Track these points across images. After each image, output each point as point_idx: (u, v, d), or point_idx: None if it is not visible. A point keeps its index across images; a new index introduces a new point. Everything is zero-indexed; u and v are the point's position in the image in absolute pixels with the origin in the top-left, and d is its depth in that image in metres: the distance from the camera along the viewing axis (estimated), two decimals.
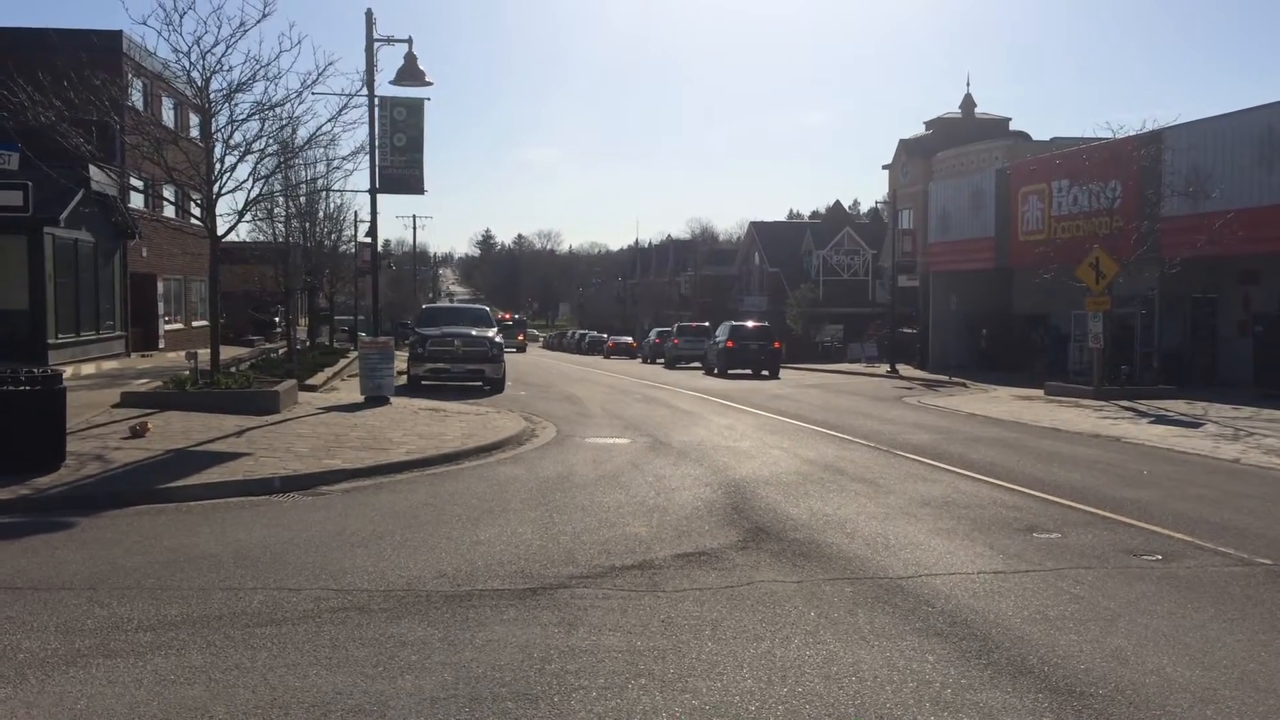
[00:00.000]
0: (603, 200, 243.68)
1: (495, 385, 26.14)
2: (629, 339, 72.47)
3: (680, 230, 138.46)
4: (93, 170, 23.96)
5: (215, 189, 17.79)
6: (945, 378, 34.92)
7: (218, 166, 17.79)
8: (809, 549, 8.73)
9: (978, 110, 57.51)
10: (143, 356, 31.67)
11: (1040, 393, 27.41)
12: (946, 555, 8.59)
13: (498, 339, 27.55)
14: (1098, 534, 9.54)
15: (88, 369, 25.42)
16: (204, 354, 19.65)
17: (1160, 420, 20.38)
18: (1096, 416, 21.09)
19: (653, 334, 58.05)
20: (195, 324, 39.11)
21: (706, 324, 51.34)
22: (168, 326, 37.35)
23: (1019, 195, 37.40)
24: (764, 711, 5.16)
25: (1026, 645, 6.21)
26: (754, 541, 9.01)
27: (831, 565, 8.18)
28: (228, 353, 27.36)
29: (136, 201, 31.55)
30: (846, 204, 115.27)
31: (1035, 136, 50.69)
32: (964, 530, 9.62)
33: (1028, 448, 16.23)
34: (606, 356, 66.53)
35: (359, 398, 20.44)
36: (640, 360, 57.41)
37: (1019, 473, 13.37)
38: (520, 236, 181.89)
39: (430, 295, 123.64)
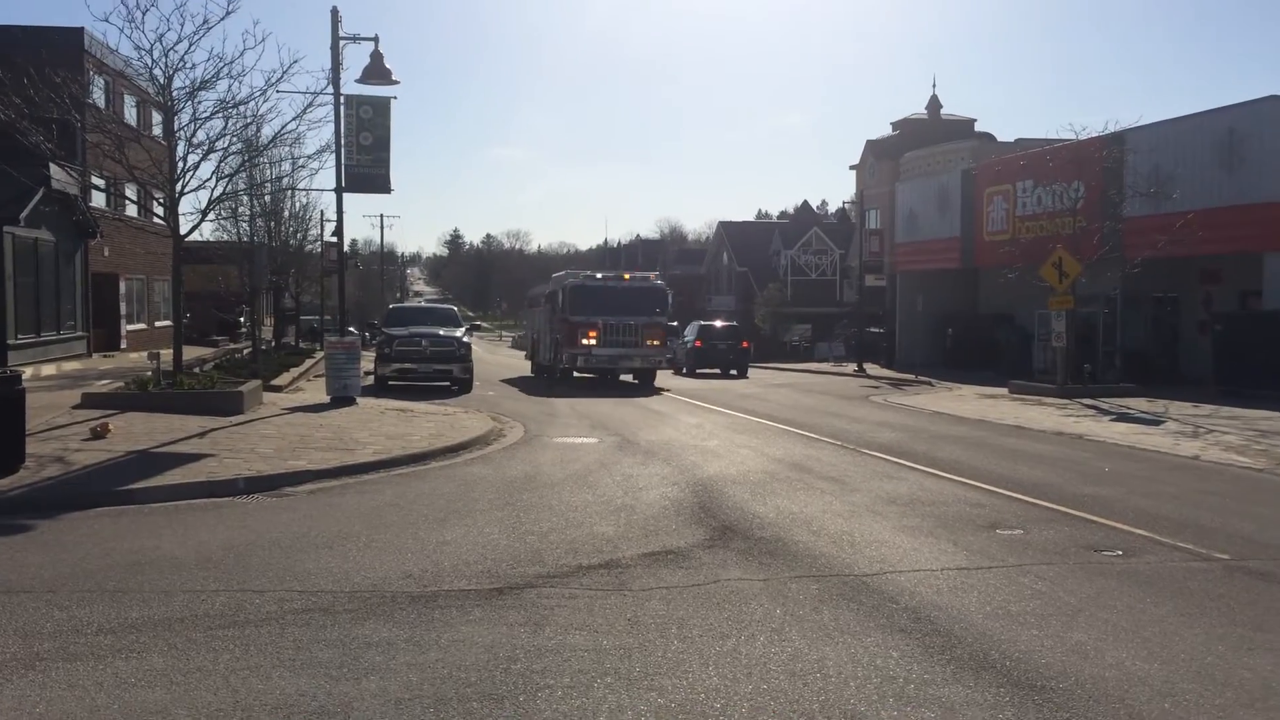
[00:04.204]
0: (572, 200, 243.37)
1: (463, 385, 26.06)
2: None
3: (649, 230, 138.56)
4: (53, 169, 23.66)
5: (178, 187, 17.62)
6: (912, 376, 35.16)
7: (180, 165, 17.63)
8: (776, 547, 8.77)
9: (944, 112, 57.98)
10: (104, 357, 31.29)
11: (1005, 391, 27.67)
12: (911, 552, 8.65)
13: (466, 339, 27.48)
14: (1060, 530, 9.65)
15: (48, 370, 25.08)
16: (167, 354, 19.44)
17: (1122, 418, 20.63)
18: (1060, 414, 21.31)
19: None
20: (158, 324, 38.65)
21: (675, 323, 51.42)
22: (130, 327, 36.90)
23: (984, 196, 37.74)
24: (729, 709, 5.17)
25: (989, 641, 6.27)
26: (721, 540, 9.03)
27: (798, 563, 8.22)
28: (191, 353, 27.10)
29: (98, 200, 31.14)
30: (815, 204, 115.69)
31: (1000, 138, 51.20)
32: (929, 527, 9.69)
33: (992, 445, 16.38)
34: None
35: (325, 398, 20.30)
36: None
37: (983, 470, 13.49)
38: (489, 236, 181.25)
39: (398, 295, 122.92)
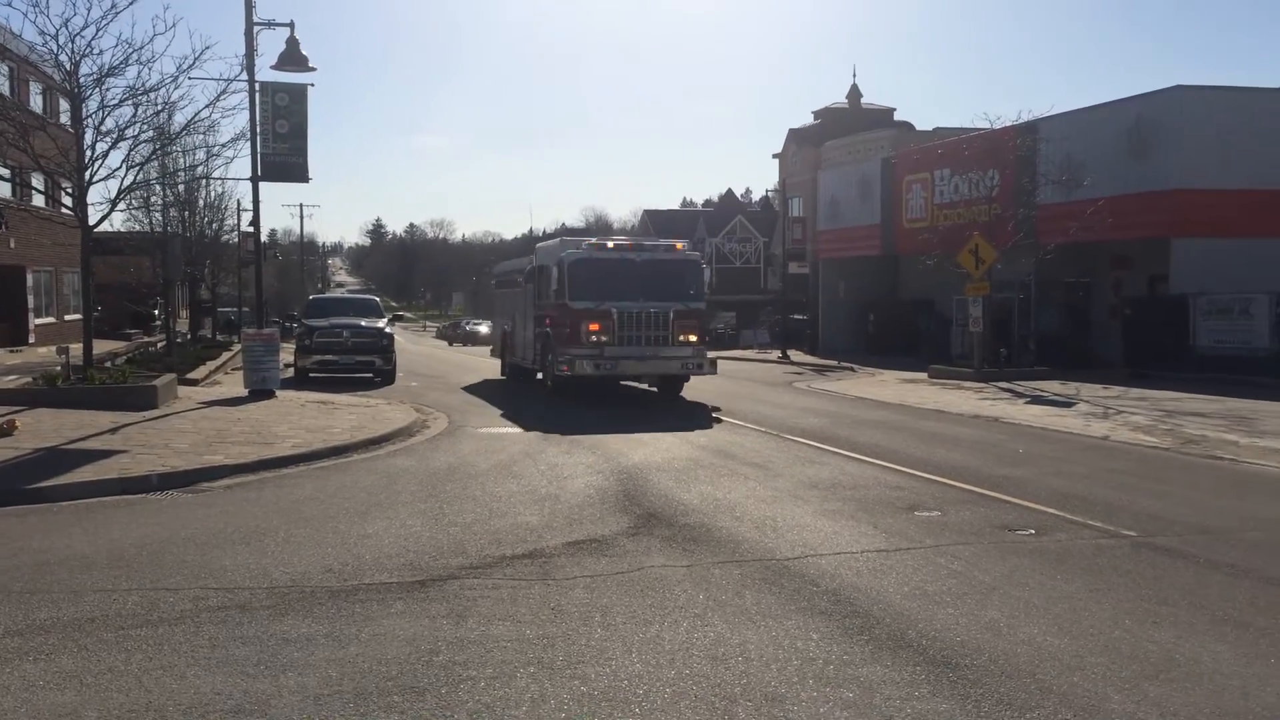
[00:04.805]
0: (497, 189, 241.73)
1: (386, 376, 25.76)
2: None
3: (575, 219, 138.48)
4: None
5: (86, 177, 17.10)
6: (835, 363, 35.62)
7: (89, 153, 17.11)
8: (699, 533, 8.83)
9: (864, 101, 58.74)
10: (11, 352, 30.28)
11: (925, 376, 28.18)
12: (832, 536, 8.78)
13: (388, 329, 27.15)
14: (976, 511, 9.87)
15: None
16: (76, 348, 18.87)
17: (1036, 400, 21.15)
18: (977, 398, 21.78)
19: None
20: (68, 318, 37.53)
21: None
22: (38, 321, 35.78)
23: (904, 184, 38.34)
24: (651, 694, 5.21)
25: (906, 620, 6.39)
26: (645, 527, 9.07)
27: (721, 549, 8.29)
28: (102, 347, 26.35)
29: (3, 190, 30.11)
30: (739, 192, 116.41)
31: (919, 127, 52.05)
32: (849, 511, 9.84)
33: (911, 429, 16.68)
34: (454, 343, 68.58)
35: (243, 391, 19.90)
36: None
37: (903, 454, 13.73)
38: (412, 225, 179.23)
39: (319, 285, 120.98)
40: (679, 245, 21.52)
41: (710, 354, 21.54)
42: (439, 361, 40.60)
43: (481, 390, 24.29)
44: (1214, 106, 27.85)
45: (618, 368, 20.09)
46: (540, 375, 22.69)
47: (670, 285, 20.54)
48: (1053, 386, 24.21)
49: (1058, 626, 6.31)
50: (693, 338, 20.51)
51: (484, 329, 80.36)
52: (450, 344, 71.07)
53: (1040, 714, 4.98)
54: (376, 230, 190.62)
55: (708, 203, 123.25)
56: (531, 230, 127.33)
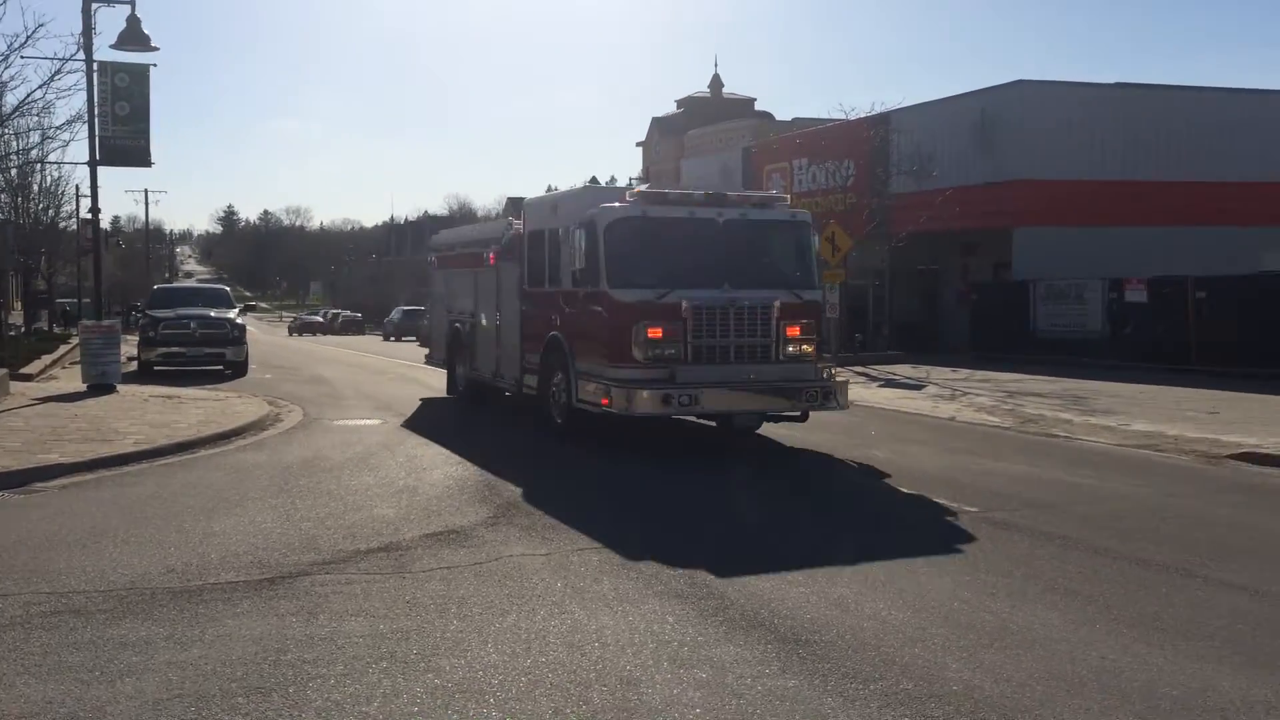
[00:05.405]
0: (356, 176, 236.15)
1: (237, 369, 24.89)
2: (358, 315, 72.38)
3: (438, 206, 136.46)
4: None
5: None
6: None
7: None
8: (558, 522, 8.79)
9: (726, 90, 59.64)
10: None
11: None
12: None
13: (240, 320, 26.23)
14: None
15: None
16: None
17: (889, 384, 21.87)
18: None
19: (396, 312, 57.44)
20: None
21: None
22: None
23: (764, 173, 39.03)
24: (507, 683, 5.18)
25: (759, 600, 6.52)
26: (505, 517, 9.00)
27: (581, 536, 8.29)
28: None
29: None
30: (603, 180, 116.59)
31: (779, 117, 53.35)
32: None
33: None
34: (300, 333, 67.93)
35: (81, 386, 18.95)
36: (383, 338, 56.34)
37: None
38: (267, 213, 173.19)
39: (166, 275, 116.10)
40: (780, 198, 14.27)
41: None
42: (293, 352, 39.50)
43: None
44: (1053, 100, 29.26)
45: (699, 401, 11.95)
46: (537, 398, 14.19)
47: (770, 262, 13.23)
48: (905, 370, 25.06)
49: (902, 600, 6.54)
50: (807, 349, 12.76)
51: (319, 318, 79.06)
52: (290, 334, 69.64)
53: (883, 685, 5.15)
54: (229, 217, 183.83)
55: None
56: (393, 218, 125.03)
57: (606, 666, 5.41)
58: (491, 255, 16.33)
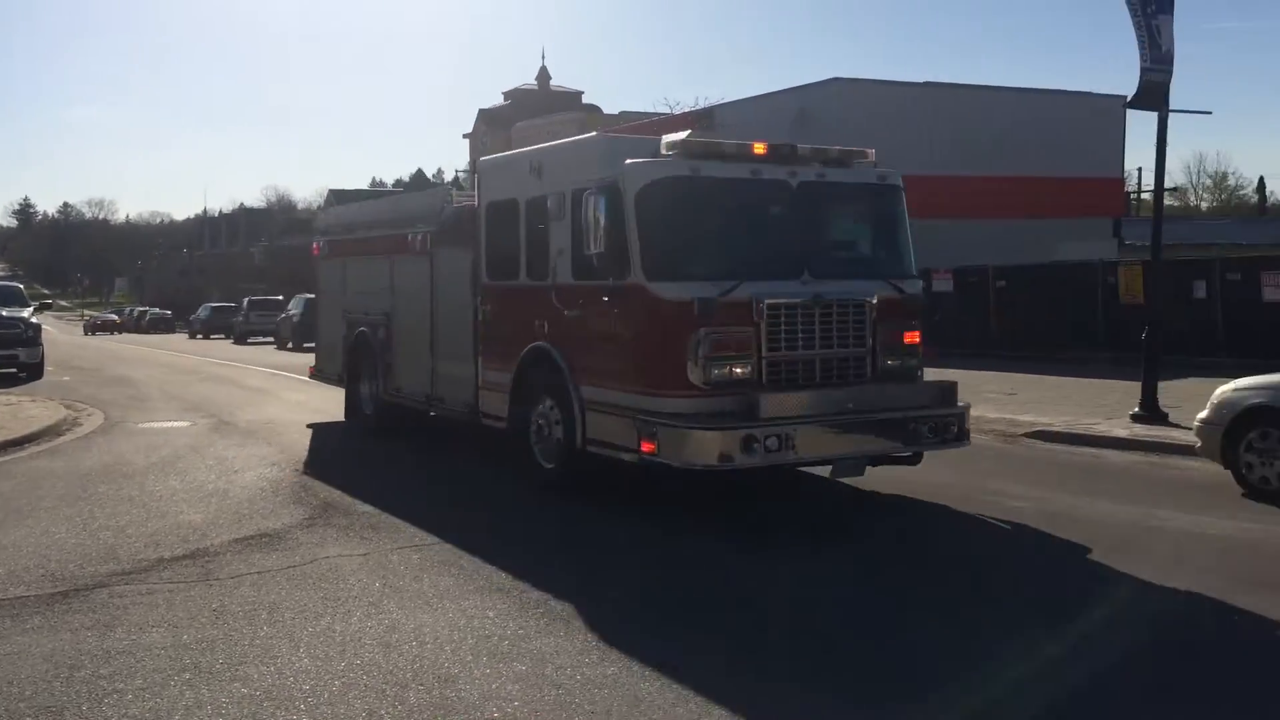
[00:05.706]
0: (165, 167, 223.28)
1: (32, 371, 23.28)
2: (167, 313, 69.17)
3: (255, 199, 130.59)
4: None
5: None
6: None
7: None
8: (379, 520, 8.61)
9: (553, 83, 59.61)
10: None
11: None
12: None
13: (34, 319, 24.54)
14: None
15: None
16: None
17: None
18: None
19: (203, 309, 55.08)
20: None
21: (280, 297, 48.88)
22: None
23: None
24: (319, 689, 5.03)
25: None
26: (322, 518, 8.74)
27: (400, 534, 8.13)
28: None
29: None
30: (430, 173, 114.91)
31: (607, 110, 53.43)
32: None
33: None
34: (95, 332, 65.30)
35: None
36: (189, 336, 53.92)
37: None
38: (67, 205, 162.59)
39: None
40: (861, 152, 10.37)
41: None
42: (95, 352, 37.31)
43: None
44: (866, 97, 30.40)
45: (793, 444, 8.23)
46: (509, 431, 10.32)
47: (857, 242, 10.47)
48: None
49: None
50: (915, 361, 9.77)
51: (114, 316, 74.93)
52: (86, 334, 65.87)
53: None
54: (24, 210, 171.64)
55: (399, 183, 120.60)
56: (205, 211, 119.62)
57: (424, 665, 5.32)
58: (421, 238, 12.25)
